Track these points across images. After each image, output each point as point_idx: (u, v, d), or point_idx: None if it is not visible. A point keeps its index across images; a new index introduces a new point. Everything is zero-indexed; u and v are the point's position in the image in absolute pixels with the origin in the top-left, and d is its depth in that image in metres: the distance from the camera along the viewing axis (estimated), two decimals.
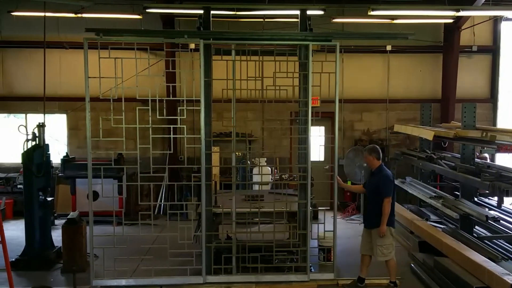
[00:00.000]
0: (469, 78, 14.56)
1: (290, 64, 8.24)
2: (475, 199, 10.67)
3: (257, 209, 8.27)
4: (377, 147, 8.15)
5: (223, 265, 8.10)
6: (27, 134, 9.22)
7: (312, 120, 8.37)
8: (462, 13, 11.60)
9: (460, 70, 14.14)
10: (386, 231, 7.67)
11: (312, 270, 8.60)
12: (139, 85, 7.88)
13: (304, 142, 8.33)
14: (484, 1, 12.21)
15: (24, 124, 9.81)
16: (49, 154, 9.64)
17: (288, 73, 8.17)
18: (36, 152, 9.23)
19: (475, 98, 13.86)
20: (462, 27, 13.85)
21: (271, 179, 12.81)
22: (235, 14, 11.51)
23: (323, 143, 14.65)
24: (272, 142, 14.08)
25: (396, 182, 12.88)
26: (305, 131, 8.26)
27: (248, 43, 8.31)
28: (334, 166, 8.29)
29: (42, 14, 10.72)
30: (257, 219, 8.48)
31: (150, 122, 7.95)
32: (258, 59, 8.10)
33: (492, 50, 14.72)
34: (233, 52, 8.06)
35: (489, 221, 8.83)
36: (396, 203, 11.85)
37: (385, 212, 7.57)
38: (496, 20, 14.46)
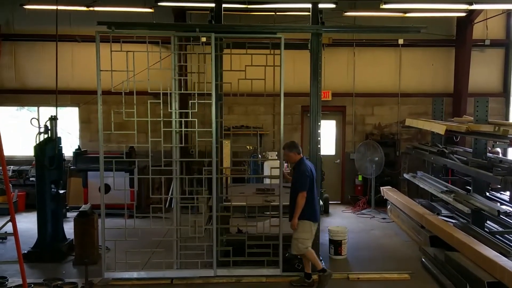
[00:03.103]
0: (481, 72, 14.44)
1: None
2: (487, 193, 10.60)
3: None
4: (296, 142, 8.11)
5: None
6: (39, 127, 9.27)
7: (323, 114, 8.32)
8: (475, 6, 11.50)
9: (472, 64, 14.03)
10: (304, 225, 7.64)
11: (323, 263, 8.62)
12: (150, 79, 7.91)
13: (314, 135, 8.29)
14: None
15: (37, 117, 9.87)
16: (61, 147, 9.69)
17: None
18: (48, 145, 9.29)
19: (488, 93, 13.74)
20: (475, 21, 13.71)
21: None
22: (247, 7, 11.50)
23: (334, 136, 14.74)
24: (284, 135, 14.07)
25: (407, 176, 12.90)
26: (316, 124, 8.21)
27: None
28: (280, 159, 8.23)
29: (54, 7, 10.76)
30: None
31: (162, 115, 7.97)
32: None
33: (505, 44, 14.57)
34: None
35: (501, 215, 8.80)
36: (407, 197, 11.93)
37: (298, 206, 7.54)
38: (510, 14, 14.31)
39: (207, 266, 8.13)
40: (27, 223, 11.20)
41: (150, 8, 12.41)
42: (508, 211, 8.86)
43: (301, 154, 7.94)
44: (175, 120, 8.07)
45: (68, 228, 9.70)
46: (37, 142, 9.23)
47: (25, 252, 8.73)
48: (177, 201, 8.15)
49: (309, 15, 8.54)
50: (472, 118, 10.83)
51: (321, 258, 8.59)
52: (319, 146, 8.28)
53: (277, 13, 12.98)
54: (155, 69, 8.04)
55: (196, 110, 8.05)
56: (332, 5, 11.13)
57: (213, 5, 8.52)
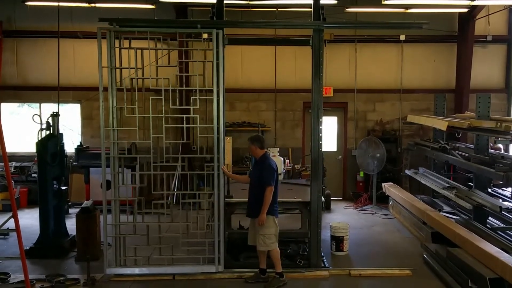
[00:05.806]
0: (483, 68, 14.42)
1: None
2: (489, 189, 10.61)
3: None
4: (260, 136, 8.05)
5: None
6: (41, 124, 9.28)
7: (324, 110, 8.30)
8: (477, 2, 11.51)
9: (474, 60, 14.00)
10: (269, 221, 7.52)
11: (324, 260, 8.62)
12: (152, 75, 7.89)
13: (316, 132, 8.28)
14: None
15: (39, 114, 9.87)
16: (63, 143, 9.71)
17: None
18: (50, 142, 9.30)
19: (490, 89, 13.74)
20: (477, 17, 13.67)
21: (284, 169, 12.80)
22: (248, 3, 11.48)
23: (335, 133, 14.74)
24: (285, 132, 14.10)
25: (409, 172, 12.90)
26: (317, 121, 8.19)
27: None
28: (220, 157, 8.09)
29: (55, 4, 10.77)
30: None
31: (163, 111, 7.96)
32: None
33: (507, 40, 14.54)
34: None
35: (502, 212, 8.78)
36: (409, 194, 11.92)
37: (266, 201, 7.41)
38: None
39: (208, 262, 8.14)
40: (29, 219, 11.23)
41: (152, 4, 12.40)
42: (510, 207, 8.87)
43: (264, 150, 7.84)
44: (113, 118, 7.95)
45: (70, 224, 9.70)
46: (39, 139, 9.24)
47: (27, 248, 8.72)
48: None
49: (311, 11, 8.52)
50: (474, 114, 10.81)
51: (322, 255, 8.61)
52: (320, 142, 8.25)
53: (278, 9, 12.97)
54: (157, 65, 8.03)
55: (197, 107, 8.03)
56: (334, 1, 11.15)
57: (214, 1, 8.51)
